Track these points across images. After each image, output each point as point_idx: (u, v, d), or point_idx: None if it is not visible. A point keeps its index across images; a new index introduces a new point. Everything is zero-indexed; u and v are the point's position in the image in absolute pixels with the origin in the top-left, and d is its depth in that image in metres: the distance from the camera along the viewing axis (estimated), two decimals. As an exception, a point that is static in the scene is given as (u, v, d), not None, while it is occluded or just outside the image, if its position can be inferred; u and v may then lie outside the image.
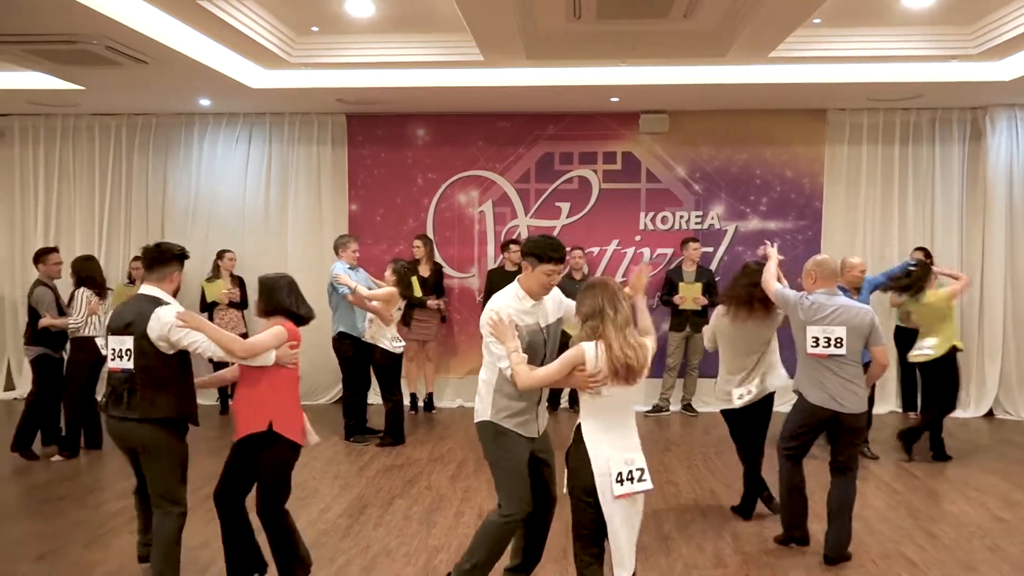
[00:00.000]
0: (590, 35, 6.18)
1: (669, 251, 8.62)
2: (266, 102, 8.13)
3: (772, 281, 4.64)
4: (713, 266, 8.52)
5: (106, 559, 4.36)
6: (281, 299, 3.94)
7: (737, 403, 4.88)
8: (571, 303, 3.66)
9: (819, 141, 8.51)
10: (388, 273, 6.89)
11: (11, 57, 6.27)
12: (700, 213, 8.64)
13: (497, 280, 8.30)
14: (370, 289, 6.98)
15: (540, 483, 3.68)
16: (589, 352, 3.20)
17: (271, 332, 3.80)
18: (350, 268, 7.17)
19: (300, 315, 3.97)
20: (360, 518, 5.10)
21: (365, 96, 7.76)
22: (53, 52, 6.04)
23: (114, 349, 3.71)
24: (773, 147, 8.54)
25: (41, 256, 6.66)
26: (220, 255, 8.14)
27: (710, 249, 8.56)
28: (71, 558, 4.41)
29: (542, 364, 3.50)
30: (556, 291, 3.71)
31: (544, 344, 3.59)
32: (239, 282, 8.13)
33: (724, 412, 5.07)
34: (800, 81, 7.14)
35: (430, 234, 8.61)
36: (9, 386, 8.92)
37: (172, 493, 3.74)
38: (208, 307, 7.97)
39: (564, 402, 8.42)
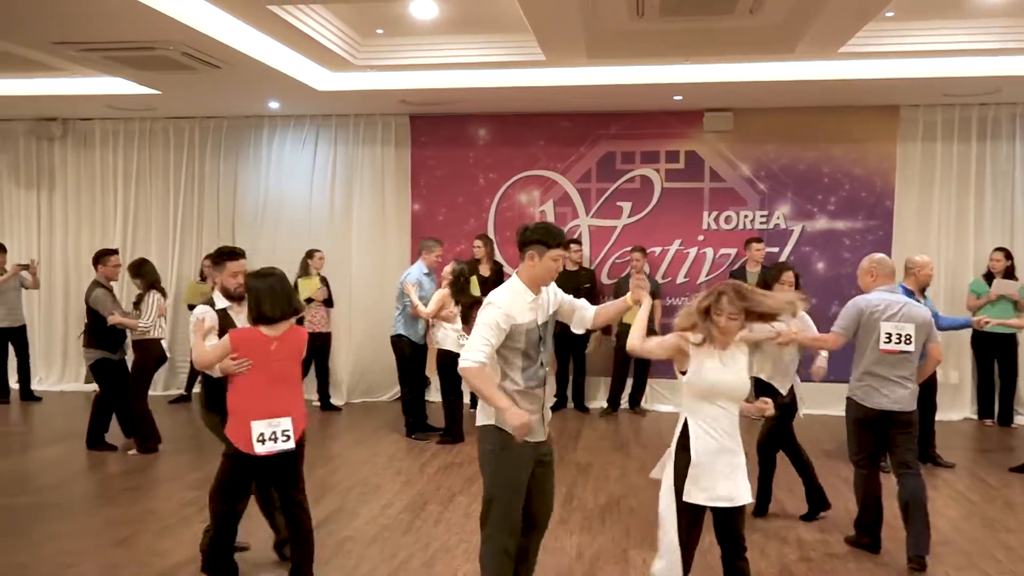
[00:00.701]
0: (653, 33, 6.12)
1: (732, 251, 8.48)
2: (332, 104, 8.30)
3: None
4: (778, 267, 8.34)
5: (178, 548, 4.52)
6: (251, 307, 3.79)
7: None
8: (565, 297, 3.56)
9: (891, 138, 8.25)
10: (446, 271, 6.97)
11: (94, 64, 6.55)
12: (765, 213, 8.47)
13: (558, 279, 8.30)
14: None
15: (536, 490, 3.43)
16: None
17: (218, 344, 3.77)
18: (426, 273, 7.26)
19: (269, 316, 3.74)
20: (421, 514, 5.16)
21: (428, 97, 7.85)
22: (133, 58, 6.28)
23: None
24: (842, 145, 8.32)
25: (101, 257, 6.71)
26: (310, 254, 8.29)
27: (775, 249, 8.40)
28: (144, 545, 4.59)
29: (539, 365, 3.35)
30: (552, 285, 3.49)
31: (539, 342, 3.37)
32: (323, 281, 8.29)
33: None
34: (871, 77, 6.94)
35: (491, 234, 8.66)
36: (90, 379, 9.28)
37: None
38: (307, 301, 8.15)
39: (624, 403, 8.39)
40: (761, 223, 8.47)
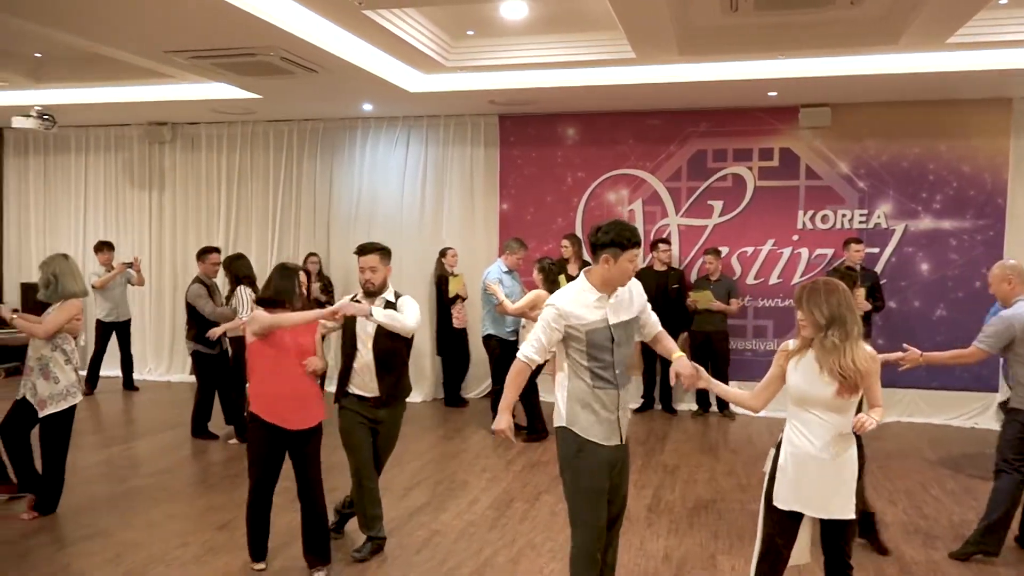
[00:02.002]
0: (747, 28, 5.98)
1: (829, 252, 8.18)
2: (423, 105, 8.45)
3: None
4: (879, 268, 8.02)
5: (273, 533, 4.68)
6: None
7: None
8: (648, 307, 3.51)
9: (1003, 133, 7.79)
10: (536, 272, 6.95)
11: (201, 70, 6.88)
12: (865, 212, 8.15)
13: (645, 279, 8.22)
14: (514, 296, 7.08)
15: (612, 493, 3.38)
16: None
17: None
18: (507, 271, 7.33)
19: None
20: (507, 512, 5.20)
21: (517, 97, 7.90)
22: (235, 64, 6.56)
23: None
24: (949, 140, 7.91)
25: (202, 254, 7.11)
26: (443, 252, 8.49)
27: (875, 250, 8.06)
28: (242, 530, 4.74)
29: (611, 366, 3.28)
30: (637, 286, 3.42)
31: (611, 342, 3.27)
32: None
33: None
34: (982, 68, 6.57)
35: (579, 233, 8.64)
36: (194, 370, 9.77)
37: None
38: (450, 300, 8.35)
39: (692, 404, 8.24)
40: (860, 222, 8.15)
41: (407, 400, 4.54)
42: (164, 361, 10.03)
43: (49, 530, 4.78)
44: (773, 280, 8.35)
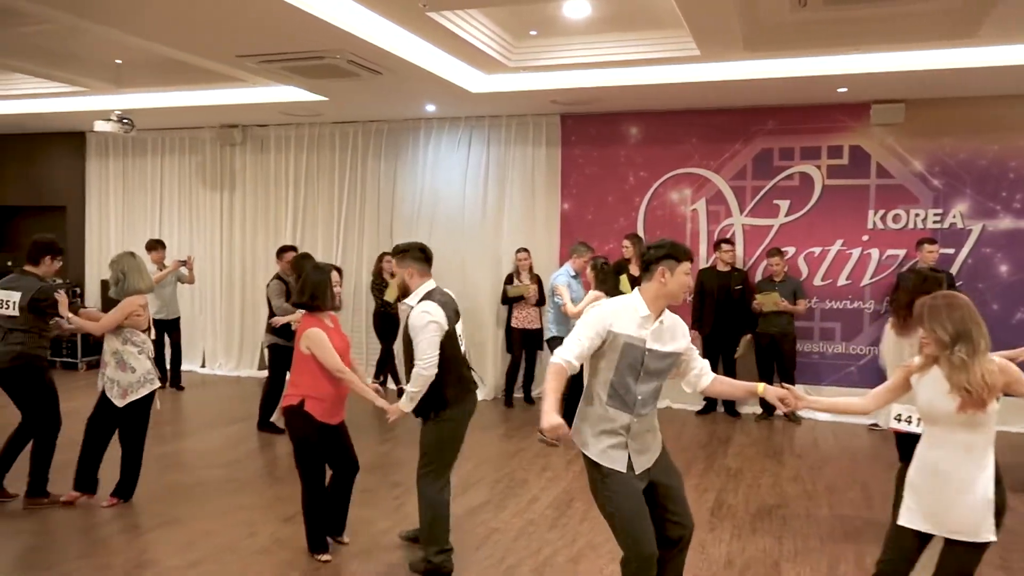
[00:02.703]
0: (816, 23, 5.83)
1: (901, 252, 7.93)
2: (485, 105, 8.50)
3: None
4: (954, 269, 7.73)
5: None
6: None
7: (896, 424, 3.90)
8: (694, 349, 3.37)
9: (1091, 128, 7.43)
10: (589, 271, 6.92)
11: (270, 74, 7.06)
12: (939, 211, 7.87)
13: (708, 280, 8.13)
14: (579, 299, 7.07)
15: (661, 512, 3.25)
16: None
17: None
18: (573, 276, 7.32)
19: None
20: (567, 511, 5.20)
21: (579, 96, 7.88)
22: (304, 67, 6.72)
23: (460, 336, 4.23)
24: (1032, 136, 7.58)
25: (281, 252, 7.40)
26: (518, 253, 8.56)
27: (950, 251, 7.77)
28: (310, 523, 4.91)
29: (631, 391, 3.15)
30: (682, 325, 3.33)
31: (640, 364, 3.14)
32: (536, 279, 8.45)
33: (897, 435, 4.31)
34: (1068, 60, 6.28)
35: (641, 233, 8.57)
36: (262, 365, 10.04)
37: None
38: (508, 301, 8.46)
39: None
40: (935, 222, 7.87)
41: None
42: (234, 357, 10.33)
43: (127, 517, 4.98)
44: (842, 281, 8.14)
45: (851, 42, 6.23)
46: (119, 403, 5.06)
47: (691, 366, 3.39)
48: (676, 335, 3.29)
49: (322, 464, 4.33)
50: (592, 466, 3.24)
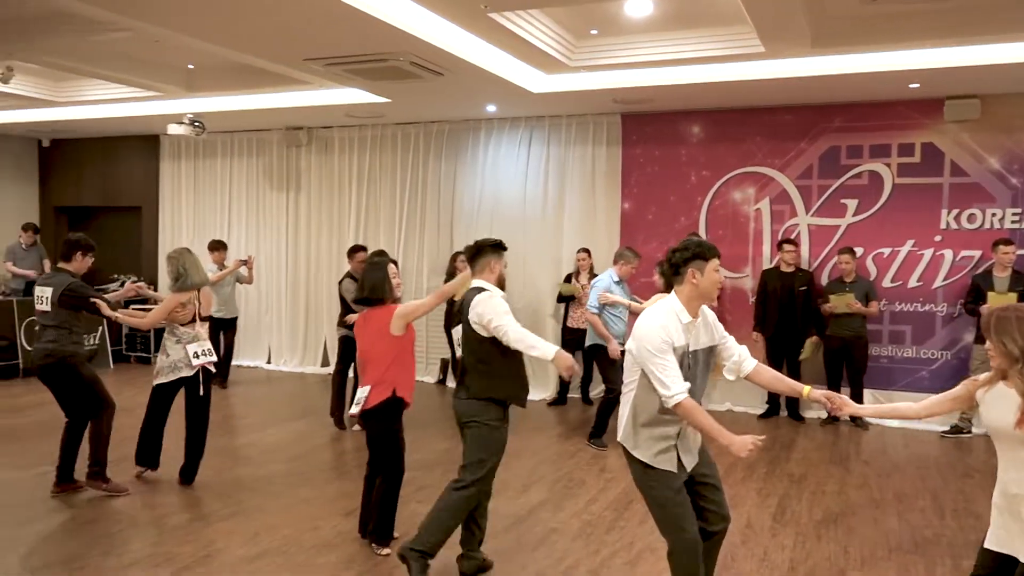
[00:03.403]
0: (887, 16, 5.67)
1: (976, 253, 7.63)
2: (545, 105, 8.51)
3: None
4: (1034, 271, 7.41)
5: (397, 523, 4.85)
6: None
7: None
8: (729, 337, 3.37)
9: None
10: (657, 274, 6.81)
11: (335, 76, 7.20)
12: (1018, 211, 7.55)
13: (770, 280, 7.97)
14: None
15: (701, 503, 3.32)
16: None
17: None
18: (617, 281, 7.08)
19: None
20: (625, 513, 5.17)
21: (641, 95, 7.82)
22: (367, 70, 6.83)
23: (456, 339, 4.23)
24: (1120, 132, 7.22)
25: (352, 252, 7.55)
26: (578, 253, 8.59)
27: (1030, 252, 7.46)
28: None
29: (698, 394, 3.20)
30: (711, 314, 3.35)
31: (688, 368, 3.17)
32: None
33: None
34: None
35: (702, 233, 8.45)
36: (325, 363, 10.26)
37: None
38: (563, 300, 8.50)
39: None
40: (1013, 222, 7.55)
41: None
42: (298, 354, 10.56)
43: (197, 507, 5.16)
44: (912, 283, 7.88)
45: (923, 36, 6.03)
46: (154, 381, 5.51)
47: (729, 353, 3.40)
48: (709, 327, 3.32)
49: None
50: (634, 465, 3.29)
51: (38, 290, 5.26)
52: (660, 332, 3.13)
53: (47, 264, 10.41)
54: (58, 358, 5.21)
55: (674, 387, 3.08)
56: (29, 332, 9.10)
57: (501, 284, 4.14)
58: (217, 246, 9.34)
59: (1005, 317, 2.80)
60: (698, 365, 3.25)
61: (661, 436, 3.20)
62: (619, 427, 3.34)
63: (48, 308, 5.20)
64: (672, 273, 3.24)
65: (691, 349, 3.20)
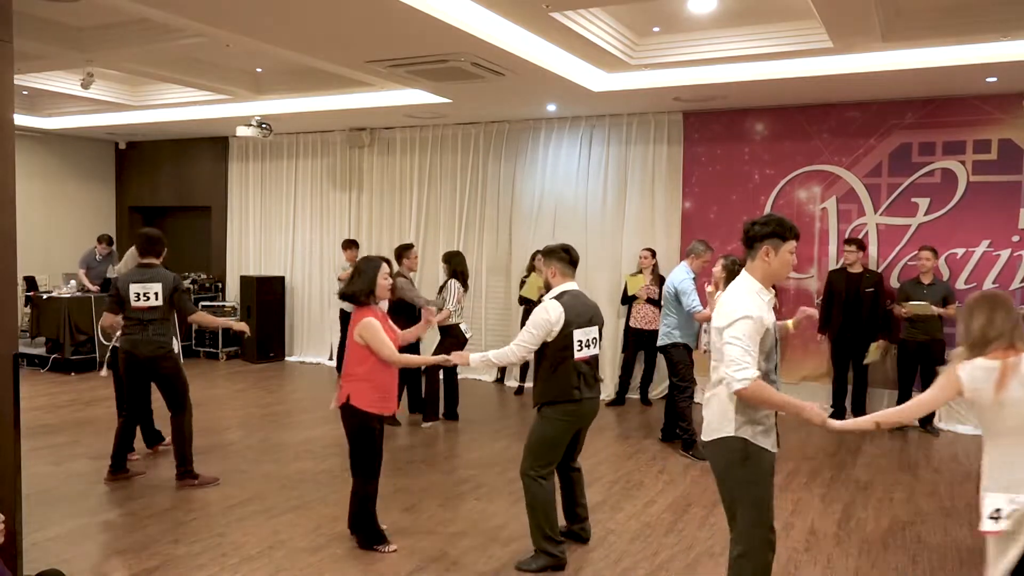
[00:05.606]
0: (963, 8, 5.47)
1: (1059, 254, 7.31)
2: (606, 104, 8.46)
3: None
4: (1121, 273, 7.05)
5: (455, 519, 4.91)
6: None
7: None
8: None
9: None
10: (717, 269, 6.55)
11: (397, 78, 7.30)
12: (1104, 209, 7.19)
13: (836, 280, 7.75)
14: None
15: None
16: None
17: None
18: (692, 277, 6.95)
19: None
20: (684, 516, 5.11)
21: (703, 93, 7.71)
22: (429, 71, 6.91)
23: (580, 340, 4.15)
24: None
25: (404, 251, 7.51)
26: (642, 252, 8.53)
27: (1117, 253, 7.10)
28: (427, 514, 5.05)
29: (776, 368, 3.18)
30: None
31: (775, 344, 3.16)
32: (659, 280, 8.25)
33: None
34: None
35: (766, 232, 8.26)
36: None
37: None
38: (627, 300, 8.48)
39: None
40: (1098, 221, 7.21)
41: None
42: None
43: (262, 500, 5.29)
44: (988, 285, 7.57)
45: (1001, 28, 5.79)
46: None
47: None
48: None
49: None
50: (730, 448, 3.13)
51: (138, 287, 5.41)
52: (753, 318, 3.00)
53: (111, 269, 10.75)
54: (167, 350, 5.46)
55: (742, 373, 2.97)
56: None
57: (548, 288, 4.26)
58: (349, 245, 9.60)
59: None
60: (777, 342, 3.23)
61: (760, 417, 3.12)
62: (705, 419, 3.23)
63: (160, 303, 5.42)
64: (747, 246, 3.19)
65: (770, 325, 3.13)
